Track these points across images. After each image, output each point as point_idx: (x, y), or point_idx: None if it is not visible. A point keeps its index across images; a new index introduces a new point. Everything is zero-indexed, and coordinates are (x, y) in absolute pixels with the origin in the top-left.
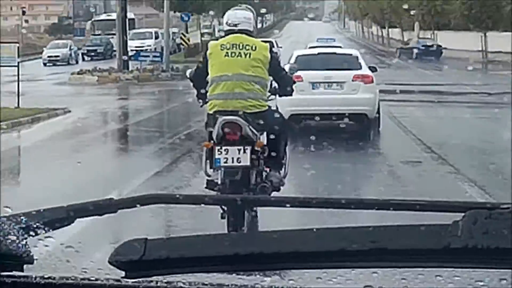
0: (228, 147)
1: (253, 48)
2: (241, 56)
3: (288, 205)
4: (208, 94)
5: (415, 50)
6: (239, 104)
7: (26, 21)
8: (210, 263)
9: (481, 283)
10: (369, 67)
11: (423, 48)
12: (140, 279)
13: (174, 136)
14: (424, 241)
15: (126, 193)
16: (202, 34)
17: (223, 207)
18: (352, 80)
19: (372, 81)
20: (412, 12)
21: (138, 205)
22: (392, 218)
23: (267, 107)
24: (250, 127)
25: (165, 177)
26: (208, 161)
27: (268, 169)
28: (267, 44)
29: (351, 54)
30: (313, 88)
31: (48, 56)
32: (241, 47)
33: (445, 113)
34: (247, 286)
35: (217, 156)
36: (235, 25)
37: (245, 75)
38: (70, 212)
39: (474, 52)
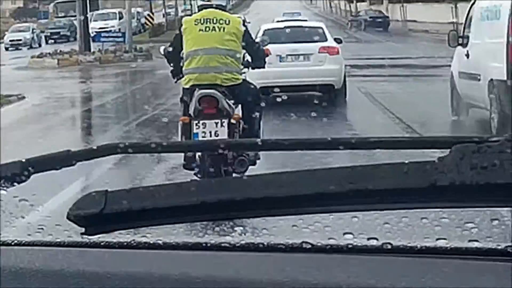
0: (205, 121)
1: (227, 22)
2: (215, 30)
3: (264, 148)
4: (184, 68)
5: (363, 22)
6: (214, 77)
7: None
8: (175, 214)
9: (471, 224)
10: (335, 39)
11: (371, 19)
12: (100, 235)
13: (132, 123)
14: (407, 179)
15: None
16: (166, 14)
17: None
18: (319, 52)
19: (338, 53)
20: None
21: (96, 157)
22: (373, 157)
23: (241, 80)
24: (227, 100)
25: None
26: (183, 136)
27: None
28: (240, 18)
29: (316, 27)
30: (280, 61)
31: (10, 40)
32: (215, 22)
33: (421, 88)
34: (215, 240)
35: (195, 131)
36: (208, 0)
37: (220, 48)
38: (25, 167)
39: (445, 24)
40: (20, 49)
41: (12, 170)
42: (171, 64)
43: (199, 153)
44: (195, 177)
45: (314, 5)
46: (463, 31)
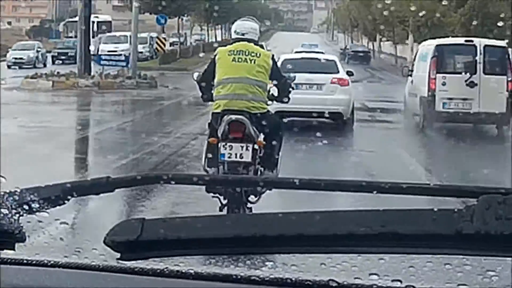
0: (232, 144)
1: (258, 55)
2: (246, 61)
3: (295, 187)
4: (214, 94)
5: (347, 55)
6: (242, 104)
7: (9, 22)
8: (209, 245)
9: (493, 273)
10: (347, 72)
11: (352, 53)
12: (135, 261)
13: (106, 168)
14: (435, 226)
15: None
16: (171, 44)
17: (222, 200)
18: (331, 83)
19: (348, 84)
20: (406, 24)
21: (135, 185)
22: (403, 202)
23: (267, 110)
24: (253, 126)
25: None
26: (210, 155)
27: (262, 168)
28: (270, 52)
29: (330, 60)
30: (296, 89)
31: (14, 58)
32: (246, 54)
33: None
34: (245, 273)
35: (222, 151)
36: (243, 34)
37: (249, 78)
38: (66, 190)
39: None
40: (24, 68)
41: (53, 193)
42: (202, 90)
43: (223, 172)
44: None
45: (335, 42)
46: (412, 67)
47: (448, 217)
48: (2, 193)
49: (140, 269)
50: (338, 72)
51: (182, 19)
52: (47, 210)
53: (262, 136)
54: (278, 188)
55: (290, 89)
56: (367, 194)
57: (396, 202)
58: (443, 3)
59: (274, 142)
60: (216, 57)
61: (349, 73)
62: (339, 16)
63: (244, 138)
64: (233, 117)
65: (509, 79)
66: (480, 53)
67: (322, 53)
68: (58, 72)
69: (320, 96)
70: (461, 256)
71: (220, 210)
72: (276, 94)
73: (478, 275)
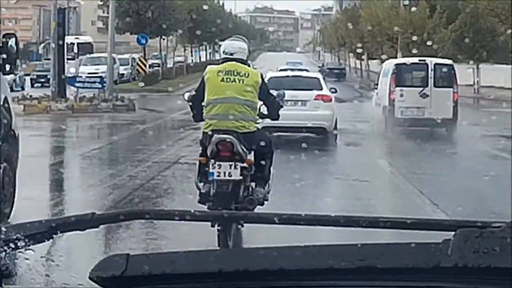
0: (221, 163)
1: (246, 75)
2: (235, 81)
3: (275, 221)
4: (204, 114)
5: (323, 72)
6: (231, 124)
7: None
8: (193, 280)
9: None
10: (330, 89)
11: (328, 70)
12: None
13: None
14: (414, 259)
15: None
16: (150, 65)
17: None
18: (314, 99)
19: (331, 100)
20: (395, 41)
21: (119, 221)
22: (382, 235)
23: (256, 129)
24: (241, 145)
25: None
26: (200, 174)
27: (254, 184)
28: (259, 72)
29: (314, 77)
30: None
31: None
32: (235, 74)
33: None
34: None
35: (211, 170)
36: (231, 54)
37: (238, 98)
38: (51, 226)
39: (463, 86)
40: None
41: (39, 229)
42: (193, 110)
43: (213, 191)
44: (208, 211)
45: (321, 61)
46: (377, 81)
47: (426, 250)
48: None
49: None
50: (321, 89)
51: (164, 39)
52: (33, 247)
53: (252, 155)
54: (258, 223)
55: (279, 107)
56: (345, 229)
57: (374, 236)
58: (432, 19)
59: (263, 160)
60: (205, 77)
61: (332, 90)
62: (325, 34)
63: (233, 157)
64: (221, 136)
65: (455, 91)
66: (431, 70)
67: (306, 70)
68: (30, 96)
69: (305, 112)
70: None
71: (212, 226)
72: (266, 112)
73: None
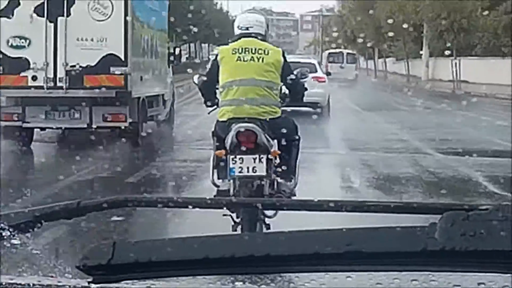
0: (243, 156)
1: (266, 53)
2: (253, 60)
3: (259, 207)
4: (220, 100)
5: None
6: (252, 110)
7: None
8: (179, 267)
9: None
10: (326, 73)
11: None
12: (107, 285)
13: None
14: (400, 243)
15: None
16: None
17: (234, 219)
18: (311, 79)
19: (325, 81)
20: (421, 31)
21: (105, 209)
22: (368, 220)
23: (280, 114)
24: (266, 134)
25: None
26: (215, 170)
27: (278, 178)
28: (280, 49)
29: (310, 62)
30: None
31: None
32: (253, 51)
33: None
34: None
35: (231, 166)
36: (247, 29)
37: (258, 80)
38: (37, 215)
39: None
40: None
41: (24, 219)
42: (204, 95)
43: (235, 189)
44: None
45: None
46: (326, 65)
47: (412, 234)
48: None
49: None
50: (316, 71)
51: None
52: (18, 236)
53: (275, 143)
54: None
55: (304, 89)
56: (331, 213)
57: (360, 220)
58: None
59: (290, 149)
60: (218, 57)
61: (327, 74)
62: (330, 33)
63: (256, 149)
64: (242, 125)
65: (356, 66)
66: (344, 55)
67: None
68: None
69: None
70: (427, 273)
71: (234, 230)
72: (287, 93)
73: None
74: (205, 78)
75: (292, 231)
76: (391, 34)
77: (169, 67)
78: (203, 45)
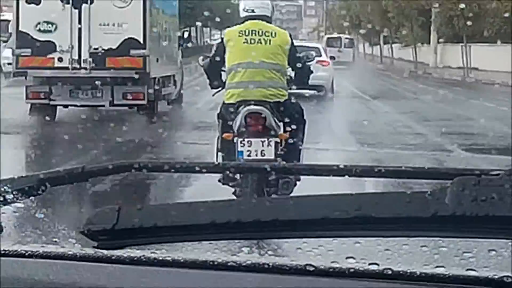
0: (251, 139)
1: (273, 35)
2: (261, 42)
3: (269, 171)
4: (227, 82)
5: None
6: (259, 93)
7: None
8: (185, 232)
9: (469, 254)
10: (330, 57)
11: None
12: (112, 250)
13: None
14: (409, 208)
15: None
16: None
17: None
18: (316, 63)
19: (329, 65)
20: (429, 16)
21: (109, 174)
22: (378, 185)
23: (287, 96)
24: (274, 117)
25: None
26: (225, 153)
27: (284, 162)
28: (287, 31)
29: (315, 47)
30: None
31: None
32: (260, 34)
33: None
34: (222, 259)
35: (239, 149)
36: (253, 11)
37: (266, 62)
38: (41, 180)
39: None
40: None
41: (28, 183)
42: (210, 77)
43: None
44: (232, 196)
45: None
46: (325, 49)
47: (422, 199)
48: None
49: (117, 257)
50: (321, 55)
51: None
52: (22, 201)
53: (282, 127)
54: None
55: (310, 72)
56: (340, 178)
57: (370, 186)
58: None
59: (296, 132)
60: (225, 40)
61: (332, 58)
62: (334, 17)
63: (265, 132)
64: (251, 108)
65: (353, 51)
66: (342, 39)
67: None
68: None
69: None
70: (437, 238)
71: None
72: (293, 76)
73: (455, 256)
74: (210, 60)
75: (300, 195)
76: (397, 19)
77: (178, 49)
78: (204, 29)
